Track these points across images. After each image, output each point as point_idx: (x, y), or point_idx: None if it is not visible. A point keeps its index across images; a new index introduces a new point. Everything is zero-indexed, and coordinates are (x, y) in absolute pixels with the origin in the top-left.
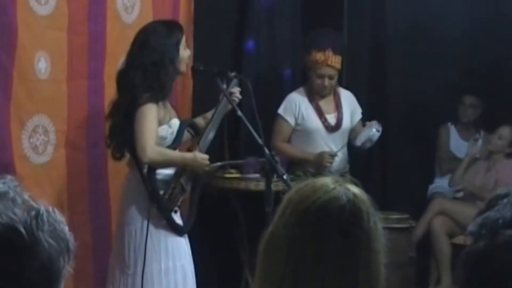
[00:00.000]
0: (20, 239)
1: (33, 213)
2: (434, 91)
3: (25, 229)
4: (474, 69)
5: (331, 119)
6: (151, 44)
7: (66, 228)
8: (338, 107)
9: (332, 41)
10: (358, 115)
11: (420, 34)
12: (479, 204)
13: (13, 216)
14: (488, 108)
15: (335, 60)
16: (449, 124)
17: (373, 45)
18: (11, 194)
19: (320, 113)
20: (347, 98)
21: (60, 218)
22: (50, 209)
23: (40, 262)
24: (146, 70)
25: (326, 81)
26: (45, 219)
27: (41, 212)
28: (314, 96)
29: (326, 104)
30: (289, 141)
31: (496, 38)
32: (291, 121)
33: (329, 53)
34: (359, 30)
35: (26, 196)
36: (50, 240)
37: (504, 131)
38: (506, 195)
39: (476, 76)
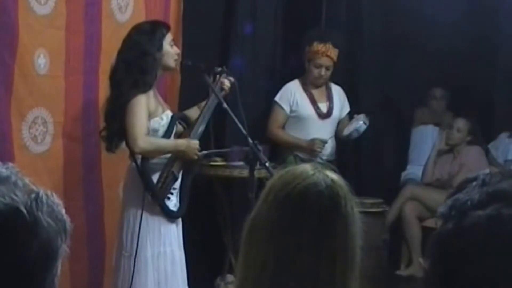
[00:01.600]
0: (21, 219)
1: (33, 195)
2: (406, 83)
3: (26, 209)
4: (443, 62)
5: (323, 107)
6: (134, 41)
7: (63, 211)
8: (329, 98)
9: (333, 36)
10: (347, 109)
11: (392, 34)
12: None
13: (15, 198)
14: (454, 98)
15: (333, 53)
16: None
17: (349, 46)
18: (13, 178)
19: (313, 101)
20: (338, 92)
21: (57, 201)
22: (49, 193)
23: (40, 241)
24: (129, 64)
25: (323, 71)
26: (44, 201)
27: (40, 194)
28: (308, 86)
29: (319, 94)
30: (283, 128)
31: (467, 33)
32: (286, 108)
33: (329, 45)
34: (336, 29)
35: (26, 181)
36: (49, 220)
37: (460, 123)
38: (474, 179)
39: (445, 68)
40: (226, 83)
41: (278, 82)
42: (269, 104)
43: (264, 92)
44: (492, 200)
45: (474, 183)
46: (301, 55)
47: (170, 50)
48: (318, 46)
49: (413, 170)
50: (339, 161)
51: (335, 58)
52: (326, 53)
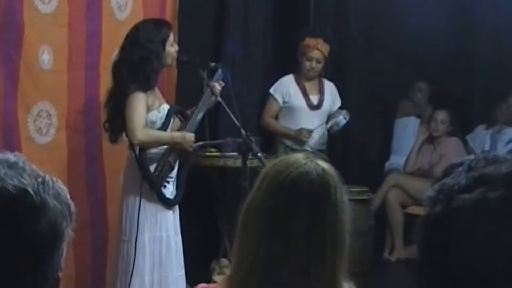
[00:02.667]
0: (30, 200)
1: (40, 179)
2: (389, 78)
3: (33, 191)
4: (424, 59)
5: (314, 99)
6: (140, 42)
7: (68, 196)
8: (321, 91)
9: (324, 33)
10: (338, 104)
11: (377, 33)
12: (429, 179)
13: (23, 180)
14: (435, 92)
15: (324, 47)
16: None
17: (337, 43)
18: (21, 163)
19: (305, 93)
20: (330, 87)
21: (62, 186)
22: (54, 178)
23: (47, 221)
24: (133, 65)
25: (314, 64)
26: (50, 185)
27: (46, 179)
28: (301, 80)
29: (311, 87)
30: (277, 118)
31: (447, 32)
32: (280, 100)
33: (320, 40)
34: (323, 26)
35: (33, 166)
36: (55, 203)
37: (442, 115)
38: (461, 164)
39: (426, 64)
40: (217, 86)
41: (270, 77)
42: (262, 98)
43: (257, 86)
44: (478, 184)
45: (460, 168)
46: (291, 50)
47: (171, 50)
48: (310, 41)
49: (396, 160)
50: (329, 152)
51: (326, 52)
52: (316, 47)
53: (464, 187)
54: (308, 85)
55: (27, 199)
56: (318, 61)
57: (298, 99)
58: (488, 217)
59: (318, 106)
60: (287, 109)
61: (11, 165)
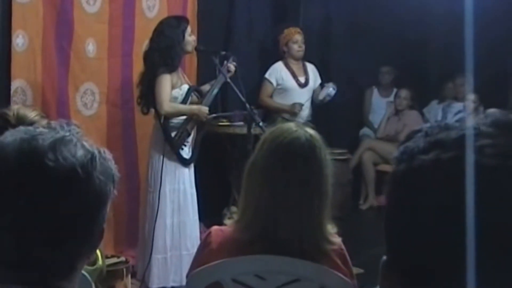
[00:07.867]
0: (78, 175)
1: (89, 156)
2: (363, 62)
3: (81, 169)
4: (390, 47)
5: (302, 79)
6: (165, 33)
7: (113, 163)
8: (305, 72)
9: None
10: (319, 81)
11: (355, 26)
12: (394, 143)
13: (74, 160)
14: (399, 74)
15: (300, 32)
16: (373, 87)
17: (322, 32)
18: (74, 140)
19: (294, 75)
20: (311, 68)
21: (108, 156)
22: (102, 151)
23: (93, 193)
24: (161, 51)
25: (300, 43)
26: (97, 160)
27: (94, 154)
28: (289, 65)
29: (297, 69)
30: (272, 96)
31: (407, 23)
32: (274, 82)
33: (296, 27)
34: (312, 21)
35: (84, 142)
36: (101, 176)
37: (404, 93)
38: (420, 131)
39: (392, 51)
40: (232, 67)
41: (268, 62)
42: (261, 79)
43: (258, 69)
44: (433, 147)
45: (419, 134)
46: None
47: (189, 39)
48: (289, 30)
49: (367, 129)
50: (315, 122)
51: (303, 37)
52: (297, 32)
53: (422, 149)
54: (295, 68)
55: (77, 174)
56: (302, 42)
57: (289, 81)
58: (441, 173)
59: (305, 84)
60: (281, 89)
61: (66, 143)
